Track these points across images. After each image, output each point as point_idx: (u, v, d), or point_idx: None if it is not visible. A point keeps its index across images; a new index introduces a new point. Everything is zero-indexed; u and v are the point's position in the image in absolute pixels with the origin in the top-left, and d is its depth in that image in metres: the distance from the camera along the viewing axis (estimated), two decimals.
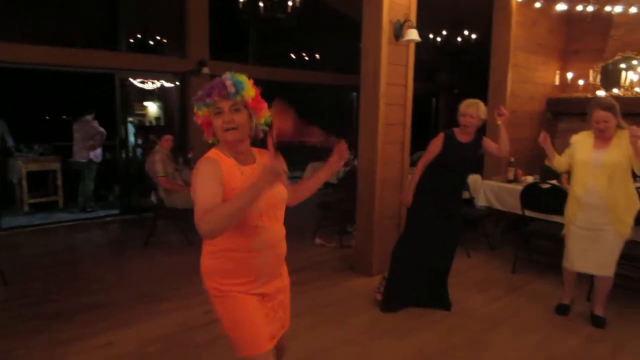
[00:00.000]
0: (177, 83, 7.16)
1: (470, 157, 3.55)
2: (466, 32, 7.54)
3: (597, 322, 3.39)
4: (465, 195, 5.34)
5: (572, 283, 3.58)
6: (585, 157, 3.26)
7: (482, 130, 3.69)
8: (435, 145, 3.51)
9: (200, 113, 1.74)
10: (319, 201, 5.76)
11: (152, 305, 3.62)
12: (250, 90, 1.72)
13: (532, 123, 5.98)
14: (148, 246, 5.13)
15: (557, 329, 3.36)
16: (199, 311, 3.49)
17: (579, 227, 3.32)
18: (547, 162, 3.62)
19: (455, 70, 9.93)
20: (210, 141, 1.80)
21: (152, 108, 9.86)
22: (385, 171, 4.18)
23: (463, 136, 3.48)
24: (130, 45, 7.16)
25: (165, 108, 9.36)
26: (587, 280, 3.72)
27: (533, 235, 4.54)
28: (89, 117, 6.65)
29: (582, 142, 3.34)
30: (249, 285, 1.78)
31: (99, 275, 4.34)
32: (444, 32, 7.66)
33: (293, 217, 7.63)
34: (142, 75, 7.42)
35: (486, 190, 5.21)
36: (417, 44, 4.18)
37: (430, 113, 11.12)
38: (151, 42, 8.07)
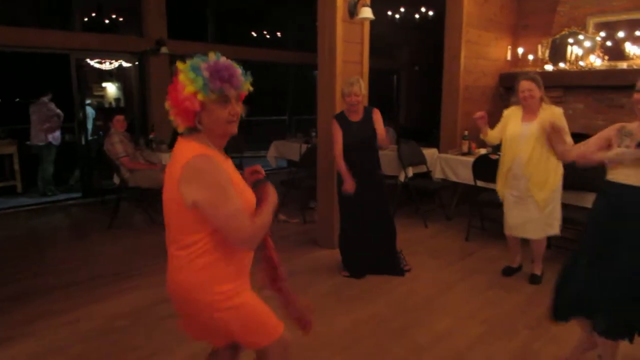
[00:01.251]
0: (136, 63, 7.05)
1: (367, 132, 3.67)
2: (423, 9, 7.67)
3: (534, 280, 3.71)
4: (423, 168, 5.59)
5: (515, 247, 3.85)
6: (514, 129, 3.51)
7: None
8: (336, 130, 3.70)
9: (200, 99, 1.50)
10: (282, 179, 5.89)
11: (118, 283, 3.69)
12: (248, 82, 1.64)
13: (485, 98, 6.22)
14: (112, 227, 5.14)
15: (503, 289, 3.63)
16: (163, 287, 3.58)
17: (511, 195, 3.60)
18: (481, 136, 3.85)
19: (416, 47, 10.10)
20: (180, 130, 1.60)
21: (111, 89, 9.66)
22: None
23: (353, 115, 3.68)
24: (85, 25, 7.00)
25: (124, 89, 9.20)
26: None
27: (484, 204, 4.80)
28: (46, 99, 6.51)
29: (512, 116, 3.59)
30: (246, 282, 1.74)
31: (63, 256, 4.36)
32: (402, 9, 7.77)
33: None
34: (98, 56, 7.27)
35: (442, 164, 5.44)
36: (377, 21, 4.28)
37: (392, 89, 11.30)
38: (107, 21, 7.89)
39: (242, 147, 7.47)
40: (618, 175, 2.25)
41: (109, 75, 9.39)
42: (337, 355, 2.68)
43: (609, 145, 2.33)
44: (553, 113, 3.41)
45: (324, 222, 4.52)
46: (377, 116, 3.72)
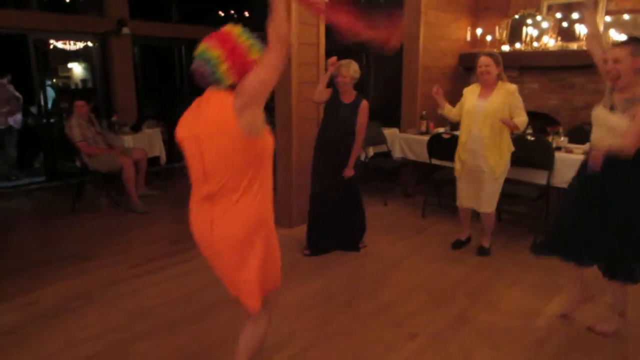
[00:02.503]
0: (97, 44, 6.95)
1: (351, 117, 3.72)
2: None
3: (481, 252, 3.92)
4: (383, 148, 5.73)
5: (466, 220, 4.05)
6: (470, 105, 3.65)
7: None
8: (327, 91, 3.80)
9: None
10: None
11: (78, 265, 3.74)
12: None
13: (444, 78, 6.36)
14: (75, 211, 5.17)
15: (451, 261, 3.83)
16: (124, 267, 3.69)
17: (465, 170, 3.76)
18: (439, 111, 3.98)
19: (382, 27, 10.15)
20: (228, 82, 1.72)
21: (77, 70, 9.48)
22: (301, 127, 4.42)
23: (343, 96, 3.75)
24: (43, 4, 6.84)
25: (92, 70, 9.05)
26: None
27: (440, 181, 4.98)
28: (4, 81, 6.38)
29: (470, 92, 3.73)
30: None
31: (24, 239, 4.40)
32: None
33: None
34: (58, 36, 7.12)
35: (401, 143, 5.59)
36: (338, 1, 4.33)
37: (362, 69, 11.35)
38: (66, 0, 7.71)
39: None
40: (594, 141, 2.51)
41: (75, 56, 9.20)
42: (284, 325, 2.82)
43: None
44: (507, 90, 3.56)
45: (282, 203, 4.63)
46: (363, 106, 3.74)
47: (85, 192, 5.53)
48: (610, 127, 2.43)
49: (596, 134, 2.54)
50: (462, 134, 3.76)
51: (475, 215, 3.99)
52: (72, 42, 8.39)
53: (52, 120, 6.82)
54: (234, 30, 1.72)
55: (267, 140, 1.78)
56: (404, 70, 6.05)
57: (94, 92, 7.68)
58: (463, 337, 2.74)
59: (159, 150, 6.09)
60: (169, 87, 8.20)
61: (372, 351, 2.61)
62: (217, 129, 1.70)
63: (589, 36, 2.78)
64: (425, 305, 3.11)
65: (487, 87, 3.62)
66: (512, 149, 3.72)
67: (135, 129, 5.96)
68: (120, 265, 3.72)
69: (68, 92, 8.50)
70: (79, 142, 4.95)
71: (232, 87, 1.70)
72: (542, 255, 2.79)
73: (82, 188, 5.35)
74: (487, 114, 3.55)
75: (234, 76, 1.69)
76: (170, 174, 6.80)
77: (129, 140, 5.59)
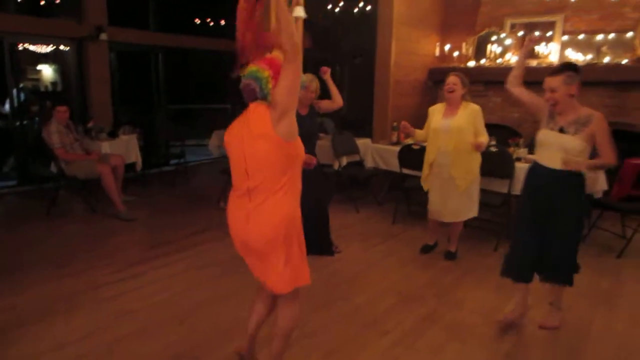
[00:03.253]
0: (70, 49, 6.95)
1: (310, 126, 3.93)
2: (361, 4, 8.02)
3: (449, 256, 4.17)
4: (356, 157, 5.96)
5: (434, 227, 4.30)
6: (437, 124, 3.91)
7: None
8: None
9: None
10: (223, 167, 6.09)
11: (56, 270, 3.78)
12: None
13: (415, 91, 6.67)
14: (50, 215, 5.18)
15: (420, 265, 4.06)
16: (105, 271, 3.77)
17: (436, 184, 4.01)
18: (410, 140, 4.21)
19: (356, 40, 10.45)
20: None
21: (47, 72, 9.38)
22: None
23: (302, 109, 3.93)
24: (20, 7, 6.81)
25: (62, 72, 8.98)
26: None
27: (410, 190, 5.23)
28: None
29: (436, 111, 3.98)
30: None
31: None
32: (341, 3, 8.08)
33: (197, 183, 7.99)
34: (34, 40, 7.09)
35: (373, 153, 5.83)
36: (319, 13, 4.54)
37: (335, 81, 11.60)
38: (43, 3, 7.67)
39: (184, 135, 7.60)
40: (541, 154, 2.84)
41: (45, 58, 9.11)
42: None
43: (537, 110, 2.90)
44: (472, 109, 3.81)
45: None
46: (319, 102, 4.04)
47: (59, 198, 5.52)
48: (564, 148, 2.69)
49: (545, 154, 2.80)
50: (430, 150, 4.00)
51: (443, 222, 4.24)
52: (43, 45, 8.34)
53: (24, 123, 6.77)
54: (280, 57, 2.01)
55: (299, 145, 2.07)
56: (376, 83, 6.31)
57: (63, 95, 7.66)
58: (431, 333, 2.97)
59: (135, 156, 6.14)
60: (145, 94, 8.24)
61: (347, 347, 2.79)
62: (259, 134, 1.98)
63: (515, 76, 3.05)
64: (396, 306, 3.32)
65: (452, 106, 3.87)
66: (480, 160, 3.98)
67: (112, 135, 6.00)
68: (101, 270, 3.79)
69: (38, 94, 8.43)
70: (58, 149, 4.98)
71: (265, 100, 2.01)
72: (506, 277, 3.07)
73: (57, 193, 5.35)
74: (452, 132, 3.81)
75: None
76: (146, 180, 6.85)
77: (106, 147, 5.63)
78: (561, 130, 2.72)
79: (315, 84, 3.94)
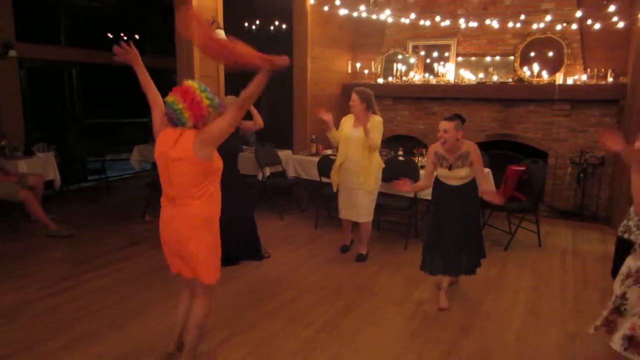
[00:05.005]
0: None
1: (235, 142, 4.31)
2: (277, 22, 8.44)
3: (359, 258, 4.60)
4: (278, 168, 6.32)
5: (347, 228, 4.76)
6: (346, 132, 4.39)
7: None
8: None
9: (210, 111, 2.41)
10: (148, 180, 6.17)
11: None
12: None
13: (330, 104, 7.17)
14: None
15: (339, 264, 4.49)
16: (36, 287, 3.79)
17: (343, 187, 4.48)
18: (327, 134, 4.63)
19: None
20: (189, 124, 2.37)
21: None
22: None
23: None
24: None
25: None
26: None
27: (328, 196, 5.67)
28: None
29: (346, 121, 4.46)
30: None
31: None
32: (257, 22, 8.44)
33: (120, 199, 7.95)
34: None
35: (294, 163, 6.22)
36: (234, 31, 4.85)
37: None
38: None
39: (103, 150, 7.51)
40: (443, 179, 3.62)
41: None
42: None
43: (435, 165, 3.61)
44: (373, 120, 4.30)
45: None
46: (243, 125, 4.44)
47: None
48: (458, 177, 3.53)
49: (450, 182, 3.59)
50: (340, 156, 4.46)
51: (355, 224, 4.71)
52: None
53: None
54: (192, 85, 2.36)
55: (218, 161, 2.46)
56: (295, 98, 6.74)
57: None
58: (350, 319, 3.38)
59: (53, 173, 6.03)
60: (59, 110, 8.02)
61: (275, 340, 3.11)
62: (180, 156, 2.35)
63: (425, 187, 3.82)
64: (320, 299, 3.71)
65: (359, 118, 4.34)
66: (383, 166, 4.51)
67: (28, 153, 5.86)
68: (29, 288, 3.80)
69: None
70: None
71: (194, 126, 2.37)
72: (424, 271, 3.78)
73: None
74: (359, 141, 4.30)
75: (193, 120, 2.36)
76: (65, 197, 6.70)
77: (22, 165, 5.51)
78: (450, 167, 3.53)
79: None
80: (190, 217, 2.42)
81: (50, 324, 3.22)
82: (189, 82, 2.39)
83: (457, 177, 3.52)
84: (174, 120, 2.36)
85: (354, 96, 4.31)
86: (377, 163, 4.44)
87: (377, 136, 4.26)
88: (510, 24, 6.27)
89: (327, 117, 4.37)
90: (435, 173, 3.65)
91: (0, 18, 6.48)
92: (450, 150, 3.48)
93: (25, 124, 6.94)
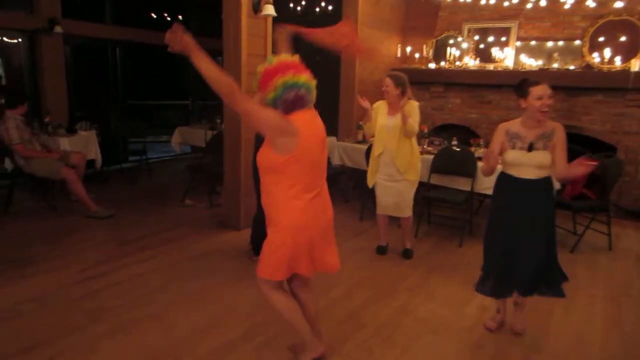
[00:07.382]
0: (26, 41, 6.63)
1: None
2: (323, 4, 8.09)
3: (405, 254, 4.30)
4: None
5: (383, 227, 4.36)
6: (382, 121, 4.03)
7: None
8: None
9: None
10: (189, 164, 6.02)
11: (19, 270, 3.64)
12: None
13: (378, 90, 6.78)
14: (7, 214, 4.94)
15: (386, 261, 4.20)
16: (74, 270, 3.66)
17: (383, 179, 4.13)
18: (361, 122, 4.26)
19: None
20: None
21: None
22: (249, 133, 4.60)
23: None
24: None
25: (8, 66, 8.52)
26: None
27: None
28: None
29: (380, 109, 4.08)
30: None
31: None
32: (303, 3, 8.12)
33: (160, 181, 7.86)
34: None
35: (340, 151, 5.93)
36: (280, 13, 4.57)
37: None
38: None
39: (143, 132, 7.41)
40: (513, 171, 2.82)
41: None
42: (244, 322, 3.01)
43: (503, 147, 2.86)
44: (410, 105, 3.94)
45: (230, 206, 4.79)
46: None
47: (15, 195, 5.26)
48: (538, 165, 2.75)
49: (514, 169, 2.82)
50: (377, 147, 4.10)
51: (393, 219, 4.35)
52: None
53: None
54: (294, 59, 2.21)
55: None
56: (342, 82, 6.42)
57: (16, 91, 7.25)
58: (406, 325, 3.09)
59: (94, 153, 5.95)
60: (102, 89, 7.97)
61: (328, 341, 2.85)
62: (324, 135, 2.30)
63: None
64: (371, 299, 3.43)
65: (393, 105, 3.97)
66: (420, 157, 4.13)
67: (70, 131, 5.79)
68: (68, 269, 3.68)
69: None
70: (17, 145, 4.74)
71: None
72: (482, 294, 3.04)
73: (12, 191, 5.10)
74: (396, 130, 3.94)
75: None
76: (105, 177, 6.64)
77: (65, 143, 5.43)
78: (531, 147, 2.75)
79: None
80: (330, 203, 2.38)
81: (88, 310, 3.07)
82: (285, 56, 2.21)
83: (534, 164, 2.74)
84: (307, 101, 2.18)
85: (388, 81, 3.92)
86: (417, 151, 4.10)
87: (415, 121, 3.92)
88: (588, 2, 5.62)
89: (367, 105, 4.05)
90: (500, 160, 2.92)
91: None
92: (537, 126, 2.78)
93: (69, 102, 6.91)
